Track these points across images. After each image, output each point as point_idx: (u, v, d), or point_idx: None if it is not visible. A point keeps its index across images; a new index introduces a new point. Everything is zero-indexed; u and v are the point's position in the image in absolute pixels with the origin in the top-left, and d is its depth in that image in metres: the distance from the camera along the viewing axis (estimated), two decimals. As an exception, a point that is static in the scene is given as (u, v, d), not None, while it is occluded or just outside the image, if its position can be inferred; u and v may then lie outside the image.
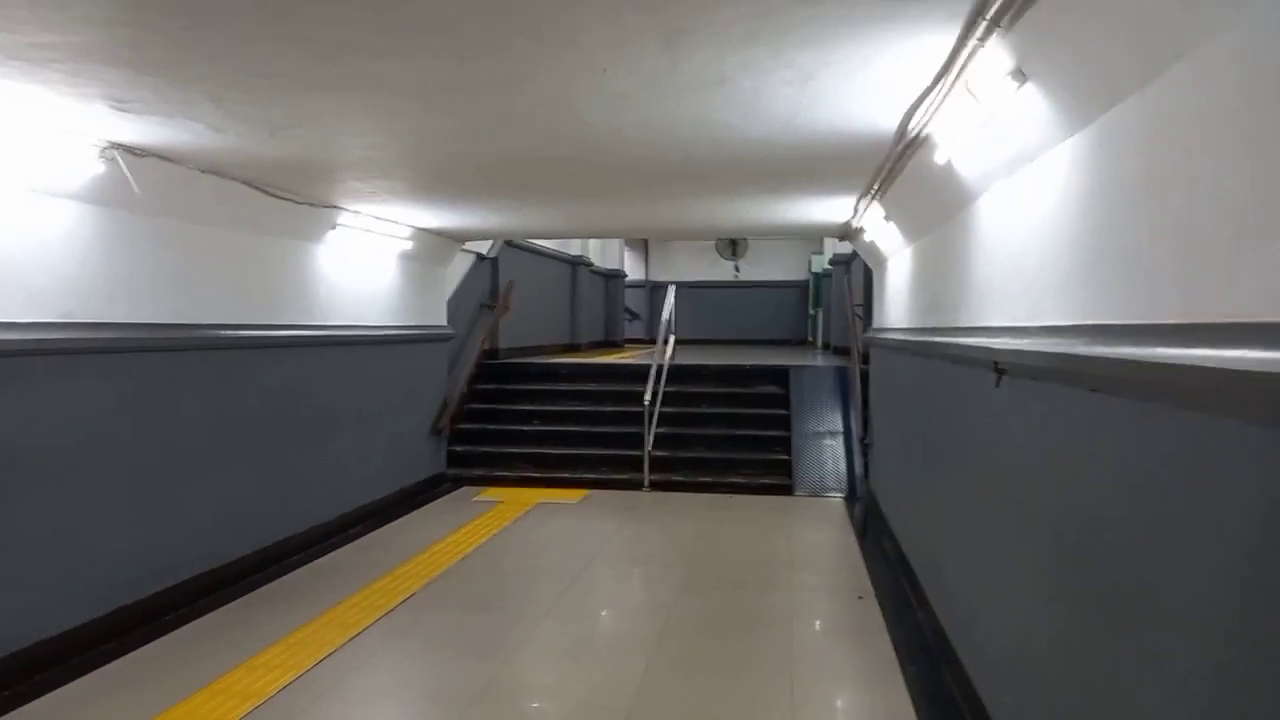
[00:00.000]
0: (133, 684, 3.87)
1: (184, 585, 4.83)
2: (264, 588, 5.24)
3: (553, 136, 4.00)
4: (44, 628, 3.98)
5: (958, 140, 3.37)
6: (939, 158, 3.65)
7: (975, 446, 3.67)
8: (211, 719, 3.51)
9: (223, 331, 5.19)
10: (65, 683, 3.85)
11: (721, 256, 19.19)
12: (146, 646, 4.29)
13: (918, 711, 3.64)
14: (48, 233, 4.01)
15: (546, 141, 4.10)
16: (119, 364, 4.41)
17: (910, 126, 3.68)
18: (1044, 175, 2.77)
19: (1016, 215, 3.12)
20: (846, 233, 7.73)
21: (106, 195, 4.21)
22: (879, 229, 6.22)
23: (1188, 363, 1.69)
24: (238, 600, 4.99)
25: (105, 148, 3.97)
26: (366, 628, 4.57)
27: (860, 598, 5.15)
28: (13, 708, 3.60)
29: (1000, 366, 3.06)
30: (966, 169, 3.58)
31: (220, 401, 5.21)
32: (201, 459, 5.03)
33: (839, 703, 3.81)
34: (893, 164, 4.46)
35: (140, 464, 4.57)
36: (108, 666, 4.05)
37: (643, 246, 19.57)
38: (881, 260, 7.17)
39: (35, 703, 3.66)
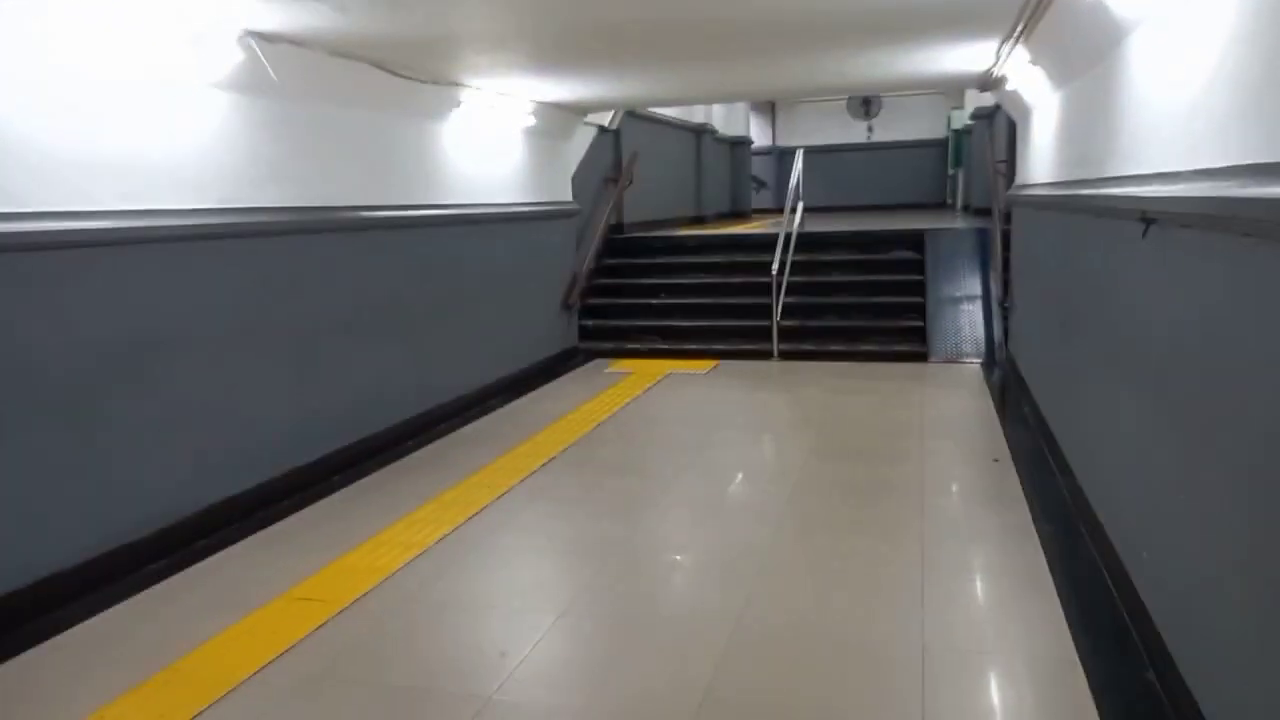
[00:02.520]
0: (305, 536, 4.29)
1: (342, 452, 5.24)
2: (413, 454, 5.63)
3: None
4: (225, 488, 4.43)
5: (1108, -32, 3.07)
6: (1088, -11, 3.36)
7: (1118, 304, 3.50)
8: (379, 565, 3.87)
9: (362, 212, 5.42)
10: (247, 535, 4.30)
11: (853, 117, 18.39)
12: (316, 504, 4.72)
13: (1052, 569, 3.63)
14: (200, 123, 4.25)
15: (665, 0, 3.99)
16: (271, 246, 4.70)
17: (1055, -43, 3.37)
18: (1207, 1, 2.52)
19: (1174, 49, 2.86)
20: (987, 83, 7.24)
21: (249, 83, 4.39)
22: (1023, 76, 5.81)
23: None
24: (390, 465, 5.39)
25: (242, 35, 4.13)
26: (510, 489, 4.87)
27: (996, 460, 5.09)
28: (204, 557, 4.06)
29: (1147, 215, 2.87)
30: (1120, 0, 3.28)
31: (364, 281, 5.49)
32: (350, 336, 5.36)
33: (971, 561, 3.84)
34: (1038, 1, 4.12)
35: (296, 340, 4.92)
36: (284, 521, 4.49)
37: (769, 111, 18.93)
38: (1026, 111, 6.72)
39: (224, 551, 4.12)
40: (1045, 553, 3.79)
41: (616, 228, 10.42)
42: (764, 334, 8.41)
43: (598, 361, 8.53)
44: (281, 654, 3.13)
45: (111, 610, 3.56)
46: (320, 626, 3.32)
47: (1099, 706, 2.64)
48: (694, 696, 2.79)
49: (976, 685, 2.85)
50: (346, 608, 3.47)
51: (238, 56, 4.17)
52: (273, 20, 3.98)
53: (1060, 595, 3.38)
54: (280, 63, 4.40)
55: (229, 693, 2.89)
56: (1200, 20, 2.56)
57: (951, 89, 14.68)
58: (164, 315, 4.09)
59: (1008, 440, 5.49)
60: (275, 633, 3.29)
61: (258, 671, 3.01)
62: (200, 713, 2.79)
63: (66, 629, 3.40)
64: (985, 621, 3.29)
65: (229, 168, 4.42)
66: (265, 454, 4.69)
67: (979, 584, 3.63)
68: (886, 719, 2.67)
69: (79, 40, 3.53)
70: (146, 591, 3.73)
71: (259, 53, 4.23)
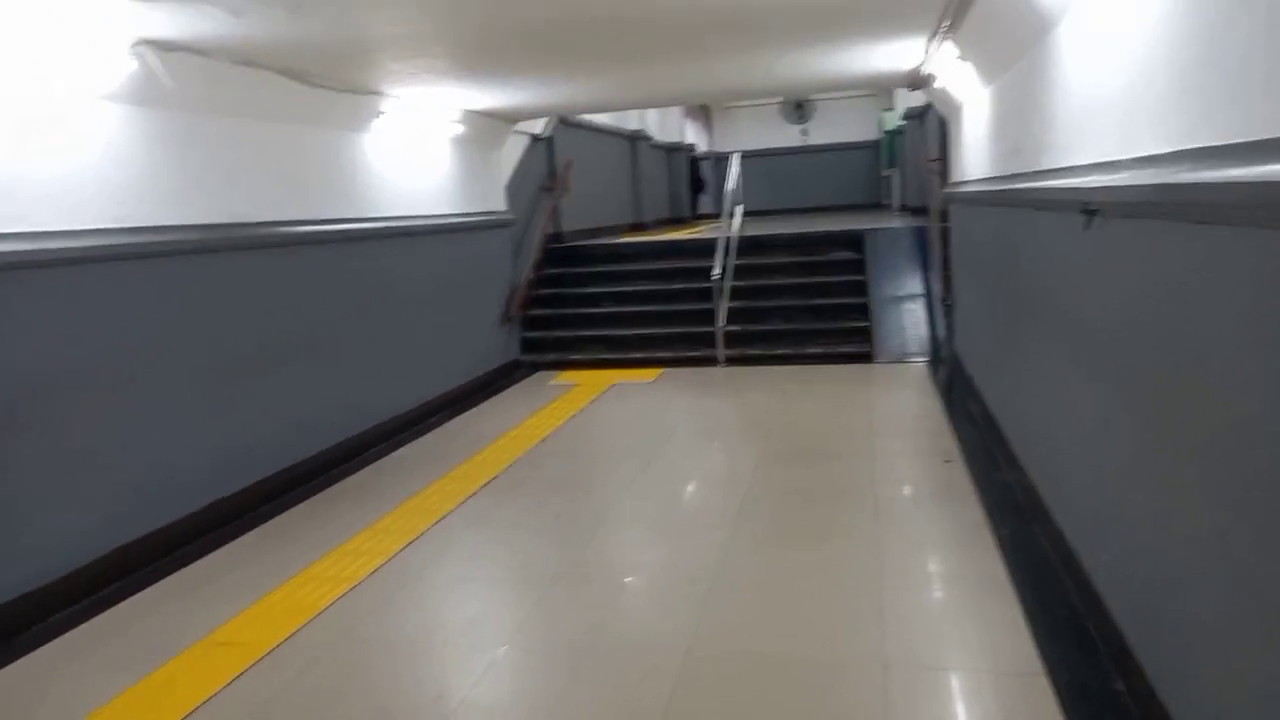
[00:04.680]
0: (226, 576, 4.02)
1: (270, 480, 4.97)
2: (348, 479, 5.38)
3: (589, -7, 3.73)
4: (138, 528, 4.14)
5: (1038, -47, 3.00)
6: (1017, -23, 3.28)
7: (1064, 297, 3.43)
8: (306, 603, 3.63)
9: (276, 229, 5.15)
10: (168, 574, 4.02)
11: (787, 121, 18.46)
12: (242, 538, 4.45)
13: (1011, 573, 3.53)
14: (90, 138, 3.96)
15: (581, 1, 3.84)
16: (176, 267, 4.41)
17: (983, -56, 3.30)
18: (1139, -19, 2.44)
19: (1105, 34, 2.78)
20: (917, 81, 7.23)
21: (144, 96, 4.12)
22: (952, 72, 5.78)
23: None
24: (323, 493, 5.13)
25: (135, 43, 3.86)
26: (449, 513, 4.65)
27: (947, 461, 5.01)
28: (118, 600, 3.78)
29: (1089, 207, 2.79)
30: (1048, -13, 3.22)
31: (285, 300, 5.23)
32: (271, 359, 5.08)
33: (929, 567, 3.73)
34: (965, -6, 4.07)
35: (212, 366, 4.64)
36: (207, 557, 4.22)
37: (704, 116, 18.92)
38: (956, 108, 6.71)
39: (140, 594, 3.85)
40: (1002, 555, 3.70)
41: (555, 237, 10.23)
42: (709, 340, 8.30)
43: (541, 374, 8.33)
44: (198, 707, 2.88)
45: (13, 666, 3.29)
46: (241, 674, 3.08)
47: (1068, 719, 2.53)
48: (644, 731, 2.62)
49: (942, 701, 2.73)
50: (270, 652, 3.23)
51: (130, 66, 3.90)
52: (166, 27, 3.72)
53: (1020, 600, 3.28)
54: (179, 73, 4.14)
55: (137, 758, 2.65)
56: (1129, 2, 2.48)
57: (882, 89, 14.81)
58: (61, 348, 3.79)
59: (957, 438, 5.43)
60: (192, 684, 3.04)
61: (169, 732, 2.77)
62: (103, 783, 2.54)
63: (-32, 690, 3.12)
64: (946, 632, 3.17)
65: (124, 185, 4.13)
66: (181, 489, 4.40)
67: (937, 592, 3.52)
68: (847, 743, 2.53)
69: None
70: (54, 642, 3.46)
71: (153, 62, 3.96)
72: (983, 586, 3.45)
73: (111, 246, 4.00)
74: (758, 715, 2.69)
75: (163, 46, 3.96)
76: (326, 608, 3.59)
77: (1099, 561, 3.01)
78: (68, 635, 3.51)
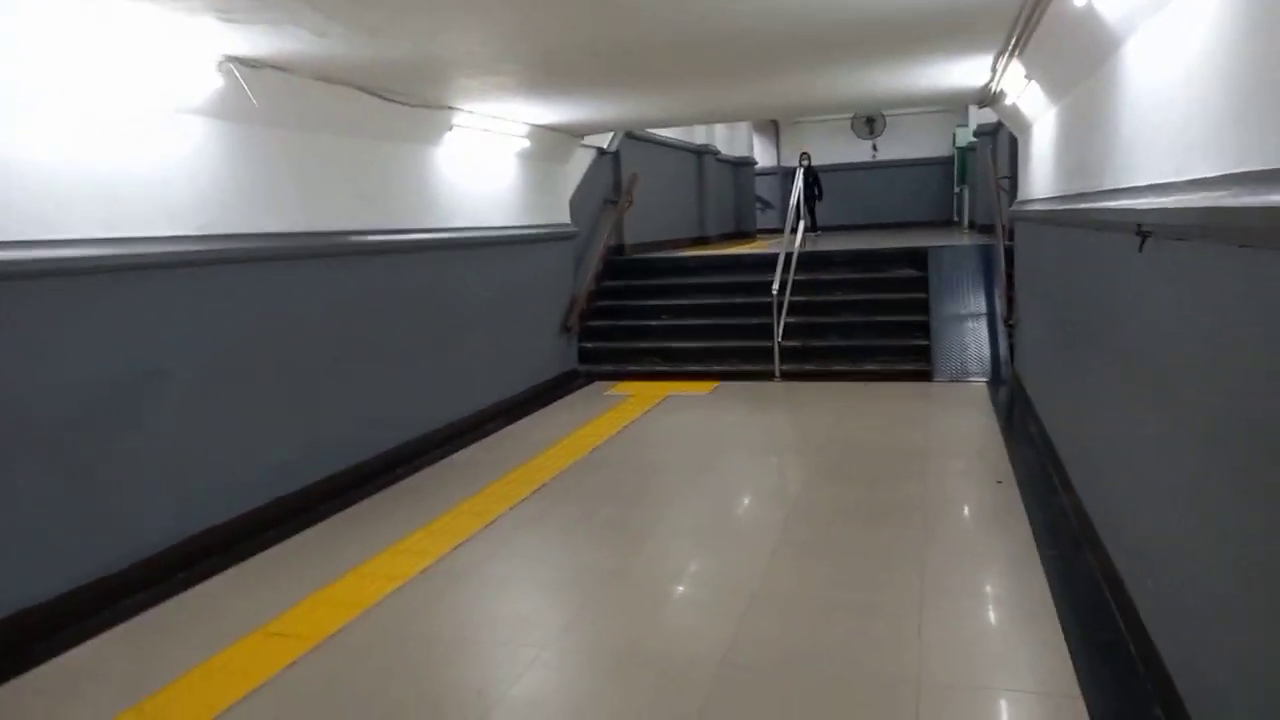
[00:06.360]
0: (292, 566, 4.20)
1: (333, 479, 5.15)
2: (405, 481, 5.53)
3: (654, 15, 3.82)
4: (211, 517, 4.34)
5: (1096, -25, 2.99)
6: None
7: (1119, 319, 3.38)
8: (362, 596, 3.77)
9: (350, 238, 5.35)
10: (231, 565, 4.21)
11: (858, 136, 18.36)
12: (302, 533, 4.62)
13: (1054, 593, 3.50)
14: (179, 149, 4.19)
15: (648, 21, 3.92)
16: (256, 273, 4.63)
17: (1042, -35, 3.29)
18: (1195, 4, 2.42)
19: (1164, 57, 2.76)
20: (986, 98, 7.16)
21: (230, 109, 4.34)
22: (1020, 90, 5.72)
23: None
24: (381, 493, 5.29)
25: (221, 61, 4.08)
26: (499, 516, 4.76)
27: (999, 482, 4.95)
28: (185, 588, 3.97)
29: (1143, 229, 2.77)
30: (1108, 8, 3.19)
31: (354, 307, 5.42)
32: (340, 362, 5.28)
33: (970, 585, 3.70)
34: (1029, 13, 4.05)
35: (284, 367, 4.84)
36: (269, 551, 4.39)
37: (773, 131, 18.91)
38: (1025, 126, 6.63)
39: (207, 583, 4.03)
40: (1048, 578, 3.65)
41: (617, 249, 10.35)
42: (766, 354, 8.30)
43: (598, 384, 8.43)
44: (250, 693, 3.02)
45: (89, 643, 3.49)
46: (292, 664, 3.21)
47: (1101, 745, 2.51)
48: (676, 736, 2.67)
49: (973, 721, 2.72)
50: (321, 643, 3.36)
51: (217, 82, 4.12)
52: (252, 46, 3.92)
53: (1063, 624, 3.24)
54: (263, 88, 4.34)
55: (194, 735, 2.79)
56: (1190, 22, 2.47)
57: (953, 105, 14.62)
58: (148, 347, 4.01)
59: (1013, 460, 5.36)
60: (246, 671, 3.18)
61: (223, 714, 2.90)
62: (162, 756, 2.68)
63: (44, 662, 3.32)
64: (984, 653, 3.15)
65: (211, 195, 4.35)
66: (251, 483, 4.60)
67: (979, 613, 3.49)
68: (877, 759, 2.54)
69: (52, 65, 3.48)
70: (126, 624, 3.65)
71: (239, 78, 4.18)
72: (1025, 608, 3.41)
73: (196, 253, 4.23)
74: (789, 726, 2.72)
75: (248, 63, 4.17)
76: (378, 602, 3.72)
77: (1145, 588, 2.96)
78: (138, 617, 3.69)
